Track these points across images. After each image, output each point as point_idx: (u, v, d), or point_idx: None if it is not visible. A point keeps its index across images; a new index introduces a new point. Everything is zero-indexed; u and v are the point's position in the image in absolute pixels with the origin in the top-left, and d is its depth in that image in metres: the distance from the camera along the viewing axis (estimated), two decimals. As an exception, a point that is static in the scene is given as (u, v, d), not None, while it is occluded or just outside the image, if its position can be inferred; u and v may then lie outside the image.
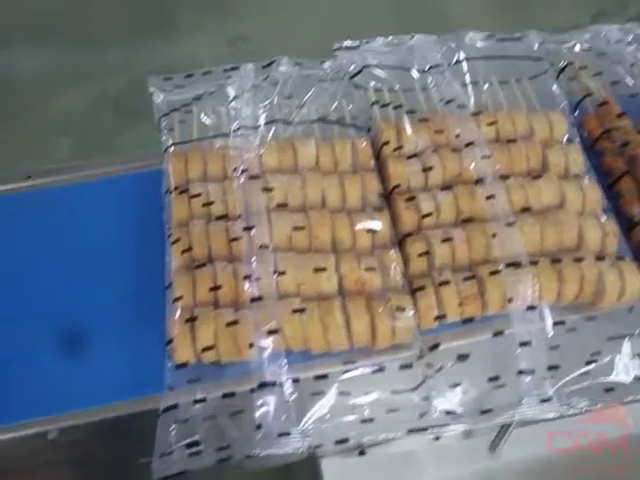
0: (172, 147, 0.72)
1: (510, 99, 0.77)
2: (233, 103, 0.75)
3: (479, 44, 0.80)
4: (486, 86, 0.77)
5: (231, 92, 0.76)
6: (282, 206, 0.67)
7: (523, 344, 0.61)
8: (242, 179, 0.67)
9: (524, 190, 0.68)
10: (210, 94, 0.77)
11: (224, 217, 0.66)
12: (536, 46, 0.80)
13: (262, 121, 0.73)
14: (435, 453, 0.74)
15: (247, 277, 0.61)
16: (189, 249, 0.64)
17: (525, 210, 0.67)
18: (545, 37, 0.82)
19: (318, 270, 0.62)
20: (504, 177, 0.68)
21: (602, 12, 1.70)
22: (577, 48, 0.81)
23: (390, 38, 0.80)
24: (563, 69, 0.79)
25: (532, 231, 0.66)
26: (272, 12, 1.94)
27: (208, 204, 0.67)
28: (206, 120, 0.74)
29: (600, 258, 0.65)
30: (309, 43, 1.73)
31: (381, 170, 0.71)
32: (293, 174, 0.69)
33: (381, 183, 0.69)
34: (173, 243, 0.64)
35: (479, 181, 0.68)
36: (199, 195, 0.67)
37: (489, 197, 0.66)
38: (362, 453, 0.70)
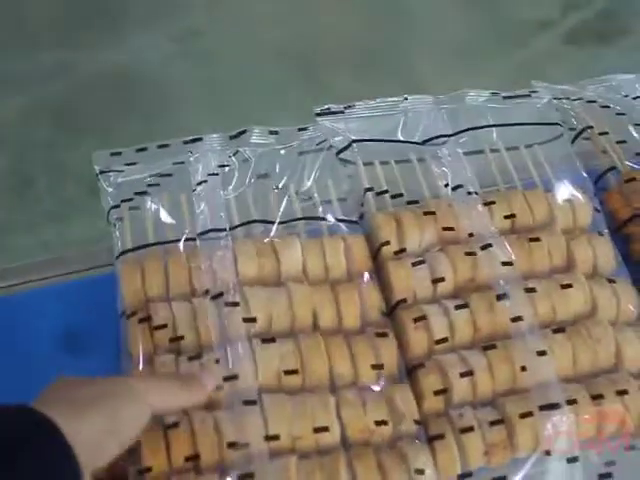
0: (122, 255, 0.59)
1: (520, 171, 0.66)
2: (198, 189, 0.62)
3: (481, 105, 0.69)
4: (493, 155, 0.66)
5: (194, 174, 0.63)
6: (267, 340, 0.55)
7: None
8: (215, 304, 0.56)
9: (550, 299, 0.58)
10: (169, 176, 0.65)
11: (197, 357, 0.54)
12: (545, 103, 0.70)
13: (235, 221, 0.61)
14: None
15: (232, 445, 0.50)
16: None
17: (551, 324, 0.57)
18: (554, 92, 0.71)
19: (318, 429, 0.51)
20: (527, 288, 0.58)
21: (571, 4, 1.60)
22: (593, 105, 0.70)
23: (378, 101, 0.68)
24: (581, 132, 0.69)
25: (563, 352, 0.56)
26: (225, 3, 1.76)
27: (176, 339, 0.55)
28: (164, 217, 0.62)
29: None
30: (265, 40, 1.59)
31: (379, 272, 0.60)
32: (276, 287, 0.58)
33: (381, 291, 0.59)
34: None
35: (502, 296, 0.57)
36: (164, 326, 0.55)
37: (515, 319, 0.56)
38: None
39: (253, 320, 0.55)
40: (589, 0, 1.63)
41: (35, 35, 1.78)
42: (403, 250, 0.59)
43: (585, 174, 0.65)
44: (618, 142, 0.67)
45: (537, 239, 0.60)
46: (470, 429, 0.53)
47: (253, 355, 0.54)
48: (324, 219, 0.61)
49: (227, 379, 0.52)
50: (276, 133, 0.66)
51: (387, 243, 0.60)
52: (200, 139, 0.66)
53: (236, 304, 0.55)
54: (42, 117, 1.60)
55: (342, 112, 0.67)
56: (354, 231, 0.61)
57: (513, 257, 0.59)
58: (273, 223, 0.60)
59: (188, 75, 1.61)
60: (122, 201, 0.62)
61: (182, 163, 0.65)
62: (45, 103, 1.62)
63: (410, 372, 0.56)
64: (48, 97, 1.64)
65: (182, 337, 0.54)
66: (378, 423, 0.52)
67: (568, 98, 0.71)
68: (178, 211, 0.62)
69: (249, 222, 0.60)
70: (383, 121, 0.67)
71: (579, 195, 0.64)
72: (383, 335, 0.56)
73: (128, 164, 0.65)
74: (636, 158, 0.67)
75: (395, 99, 0.68)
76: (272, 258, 0.58)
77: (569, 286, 0.58)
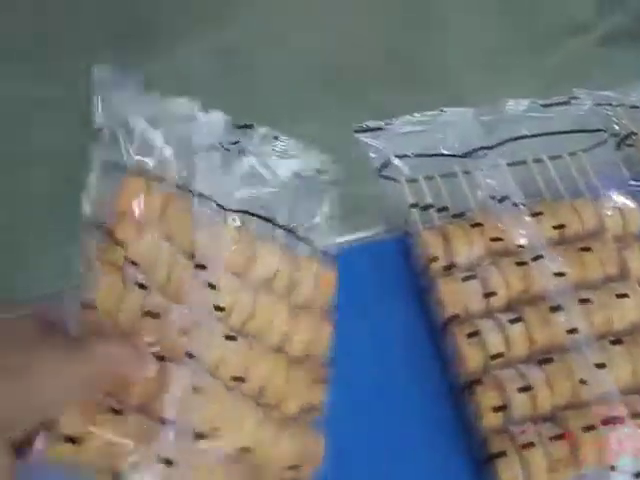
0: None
1: (565, 179, 0.65)
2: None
3: (521, 114, 0.68)
4: (536, 165, 0.66)
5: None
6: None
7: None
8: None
9: (606, 310, 0.57)
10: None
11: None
12: (586, 109, 0.69)
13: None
14: None
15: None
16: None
17: (608, 334, 0.56)
18: (596, 98, 0.70)
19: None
20: (581, 298, 0.57)
21: (605, 7, 1.58)
22: (636, 111, 0.69)
23: (417, 115, 0.67)
24: (625, 138, 0.68)
25: (622, 363, 0.55)
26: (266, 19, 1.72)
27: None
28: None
29: None
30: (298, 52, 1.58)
31: (428, 291, 0.59)
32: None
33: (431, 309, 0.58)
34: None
35: (556, 308, 0.56)
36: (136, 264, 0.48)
37: (571, 330, 0.55)
38: None
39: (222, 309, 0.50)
40: (622, 1, 1.61)
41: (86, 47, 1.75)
42: (453, 265, 0.59)
43: (633, 180, 0.64)
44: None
45: (588, 249, 0.59)
46: (532, 445, 0.52)
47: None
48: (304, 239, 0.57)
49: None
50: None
51: (436, 259, 0.59)
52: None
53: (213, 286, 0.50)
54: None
55: (380, 129, 0.66)
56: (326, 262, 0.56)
57: (565, 268, 0.58)
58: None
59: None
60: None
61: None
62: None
63: (466, 388, 0.55)
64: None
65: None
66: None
67: (610, 104, 0.70)
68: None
69: (244, 212, 0.55)
70: (422, 135, 0.66)
71: (627, 201, 0.63)
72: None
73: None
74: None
75: (433, 113, 0.67)
76: (250, 253, 0.54)
77: (625, 295, 0.57)
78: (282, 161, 0.58)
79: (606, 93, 0.71)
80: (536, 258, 0.58)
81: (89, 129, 0.52)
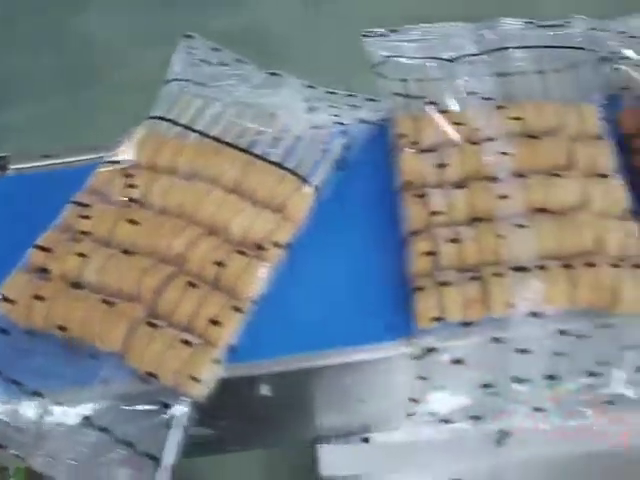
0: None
1: (545, 91, 0.73)
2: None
3: (517, 32, 0.76)
4: (520, 76, 0.73)
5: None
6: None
7: (521, 351, 0.58)
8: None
9: (544, 189, 0.64)
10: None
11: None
12: (579, 33, 0.76)
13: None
14: (442, 443, 0.71)
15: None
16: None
17: (543, 210, 0.64)
18: (591, 23, 0.76)
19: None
20: (524, 174, 0.65)
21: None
22: (624, 36, 0.75)
23: (422, 26, 0.77)
24: (605, 59, 0.74)
25: (548, 233, 0.62)
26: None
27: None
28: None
29: (619, 262, 0.61)
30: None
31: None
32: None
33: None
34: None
35: (495, 179, 0.64)
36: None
37: (503, 196, 0.63)
38: (365, 440, 0.69)
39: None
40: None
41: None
42: (417, 142, 0.68)
43: (602, 93, 0.71)
44: (638, 65, 0.72)
45: (540, 136, 0.67)
46: (448, 283, 0.61)
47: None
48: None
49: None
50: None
51: (403, 135, 0.69)
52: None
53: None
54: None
55: (387, 35, 0.77)
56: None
57: (512, 150, 0.66)
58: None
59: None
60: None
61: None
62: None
63: (407, 239, 0.65)
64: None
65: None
66: None
67: (605, 30, 0.76)
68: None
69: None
70: (423, 42, 0.76)
71: (590, 107, 0.69)
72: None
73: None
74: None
75: (436, 25, 0.77)
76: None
77: (562, 175, 0.64)
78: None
79: (606, 21, 0.77)
80: (488, 139, 0.66)
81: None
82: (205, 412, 0.61)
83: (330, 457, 0.72)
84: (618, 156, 0.68)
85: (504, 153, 0.65)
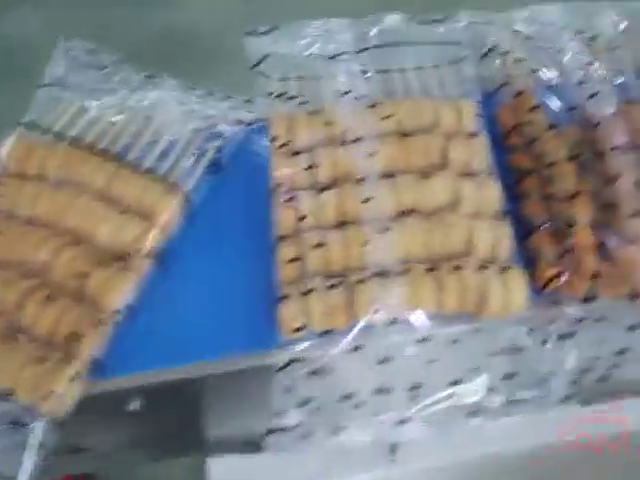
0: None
1: (425, 88, 0.71)
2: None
3: (397, 27, 0.74)
4: (399, 74, 0.72)
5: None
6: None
7: (384, 360, 0.57)
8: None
9: (414, 190, 0.63)
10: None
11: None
12: (462, 28, 0.74)
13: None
14: (335, 454, 0.69)
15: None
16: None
17: (411, 212, 0.62)
18: (474, 17, 0.75)
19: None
20: (395, 175, 0.63)
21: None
22: (506, 30, 0.73)
23: (305, 22, 0.75)
24: (485, 54, 0.73)
25: (415, 235, 0.61)
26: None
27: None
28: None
29: (487, 265, 0.60)
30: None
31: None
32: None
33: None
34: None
35: (362, 180, 0.63)
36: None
37: (366, 200, 0.62)
38: (257, 451, 0.67)
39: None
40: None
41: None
42: (288, 143, 0.66)
43: (479, 89, 0.69)
44: (516, 61, 0.70)
45: (413, 134, 0.65)
46: (312, 290, 0.59)
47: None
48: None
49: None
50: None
51: (277, 137, 0.67)
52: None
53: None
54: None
55: (268, 32, 0.74)
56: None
57: (381, 150, 0.64)
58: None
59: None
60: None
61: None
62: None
63: (275, 245, 0.63)
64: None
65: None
66: None
67: (489, 24, 0.75)
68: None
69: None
70: (304, 39, 0.74)
71: (467, 103, 0.68)
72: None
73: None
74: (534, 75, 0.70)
75: (319, 22, 0.75)
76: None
77: (433, 175, 0.63)
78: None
79: (487, 16, 0.76)
80: (357, 140, 0.65)
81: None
82: (71, 429, 0.59)
83: (220, 469, 0.70)
84: (495, 154, 0.66)
85: (373, 154, 0.64)
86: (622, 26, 0.74)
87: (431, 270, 0.59)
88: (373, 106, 0.67)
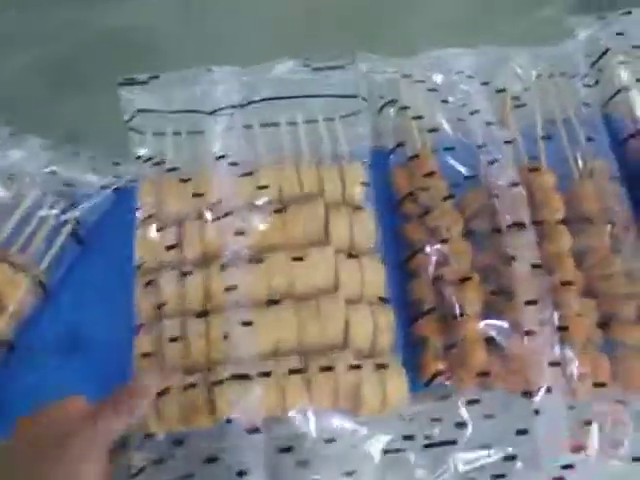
0: None
1: (313, 144, 0.64)
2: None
3: (289, 77, 0.67)
4: (286, 127, 0.65)
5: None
6: None
7: (240, 474, 0.51)
8: None
9: (287, 271, 0.57)
10: None
11: None
12: (359, 76, 0.67)
13: None
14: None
15: None
16: None
17: (284, 297, 0.56)
18: (374, 64, 0.68)
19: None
20: (265, 255, 0.57)
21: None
22: (406, 81, 0.67)
23: (184, 72, 0.68)
24: (382, 107, 0.66)
25: (284, 326, 0.55)
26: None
27: None
28: None
29: (364, 360, 0.54)
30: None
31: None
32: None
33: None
34: None
35: (228, 265, 0.56)
36: None
37: (230, 287, 0.55)
38: None
39: None
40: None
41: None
42: (152, 215, 0.60)
43: (370, 149, 0.63)
44: (415, 117, 0.64)
45: (288, 209, 0.59)
46: (166, 391, 0.53)
47: None
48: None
49: None
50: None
51: (142, 208, 0.60)
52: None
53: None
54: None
55: (146, 83, 0.67)
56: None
57: (254, 225, 0.58)
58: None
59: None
60: None
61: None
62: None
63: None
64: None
65: None
66: None
67: (385, 72, 0.68)
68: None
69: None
70: (186, 91, 0.67)
71: (356, 167, 0.61)
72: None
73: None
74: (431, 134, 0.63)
75: (200, 70, 0.68)
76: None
77: (309, 260, 0.56)
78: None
79: (393, 60, 0.69)
80: (227, 214, 0.58)
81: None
82: None
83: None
84: (388, 219, 0.60)
85: (245, 232, 0.57)
86: (534, 73, 0.68)
87: (298, 371, 0.53)
88: (250, 174, 0.60)
